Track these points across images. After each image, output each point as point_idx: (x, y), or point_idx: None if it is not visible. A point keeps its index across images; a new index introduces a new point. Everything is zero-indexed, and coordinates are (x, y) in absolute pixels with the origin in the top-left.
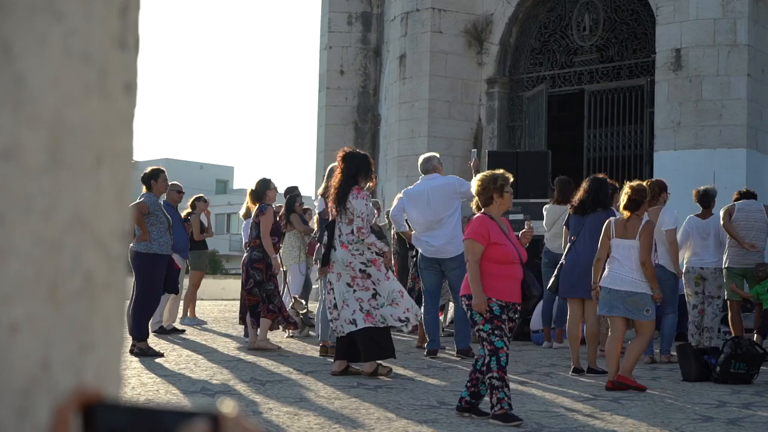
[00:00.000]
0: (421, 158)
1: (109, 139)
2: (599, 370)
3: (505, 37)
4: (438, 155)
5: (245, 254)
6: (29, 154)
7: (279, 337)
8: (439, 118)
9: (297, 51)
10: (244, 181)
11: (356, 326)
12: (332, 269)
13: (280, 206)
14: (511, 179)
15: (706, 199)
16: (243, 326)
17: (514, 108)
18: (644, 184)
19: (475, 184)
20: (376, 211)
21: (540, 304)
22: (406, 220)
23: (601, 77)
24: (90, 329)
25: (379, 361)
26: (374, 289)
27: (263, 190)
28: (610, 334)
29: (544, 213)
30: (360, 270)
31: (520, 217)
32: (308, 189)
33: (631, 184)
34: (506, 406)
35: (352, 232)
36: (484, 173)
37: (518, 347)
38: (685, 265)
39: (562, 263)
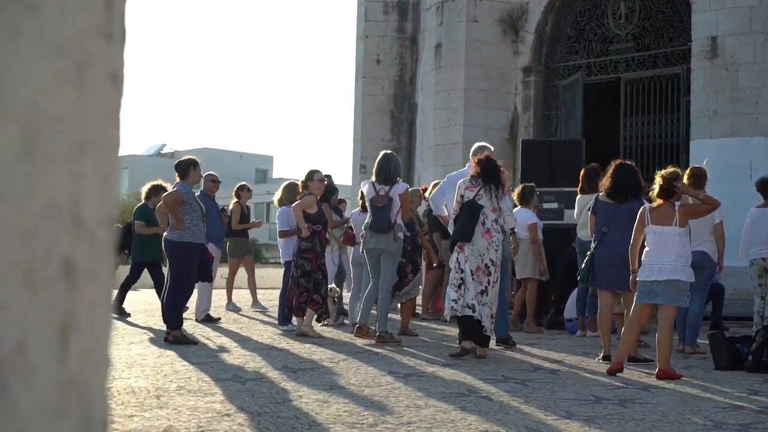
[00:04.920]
0: (475, 145)
1: (93, 129)
2: (641, 359)
3: (541, 26)
4: (491, 147)
5: (293, 244)
6: (3, 144)
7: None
8: (475, 107)
9: (334, 40)
10: (284, 170)
11: (474, 312)
12: (464, 250)
13: None
14: None
15: (762, 187)
16: (279, 314)
17: (550, 97)
18: (678, 170)
19: None
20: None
21: (574, 293)
22: (445, 204)
23: (637, 65)
24: (72, 314)
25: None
26: (485, 287)
27: (307, 180)
28: (627, 318)
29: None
30: (485, 264)
31: (555, 206)
32: (345, 177)
33: (662, 172)
34: None
35: (496, 221)
36: None
37: (552, 336)
38: (748, 257)
39: (593, 253)
